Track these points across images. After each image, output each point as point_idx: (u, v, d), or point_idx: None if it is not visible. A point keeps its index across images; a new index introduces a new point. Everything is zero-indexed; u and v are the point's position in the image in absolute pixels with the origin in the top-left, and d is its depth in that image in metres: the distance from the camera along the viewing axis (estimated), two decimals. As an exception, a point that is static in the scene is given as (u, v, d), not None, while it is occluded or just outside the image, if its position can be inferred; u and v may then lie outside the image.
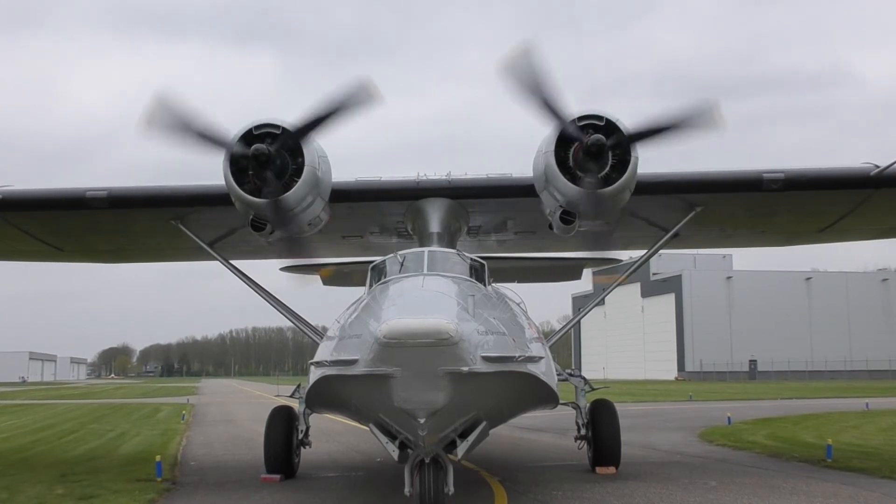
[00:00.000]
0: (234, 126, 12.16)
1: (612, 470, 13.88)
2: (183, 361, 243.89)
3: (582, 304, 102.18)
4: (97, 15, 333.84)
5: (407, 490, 9.44)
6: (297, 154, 12.11)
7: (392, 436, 9.67)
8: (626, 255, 21.76)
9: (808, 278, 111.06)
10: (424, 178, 14.22)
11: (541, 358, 10.41)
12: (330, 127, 11.77)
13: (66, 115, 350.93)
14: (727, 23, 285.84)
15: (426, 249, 11.85)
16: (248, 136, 11.95)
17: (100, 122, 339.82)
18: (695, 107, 11.47)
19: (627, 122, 12.02)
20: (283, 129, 11.94)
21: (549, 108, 11.52)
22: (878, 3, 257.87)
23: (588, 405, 14.72)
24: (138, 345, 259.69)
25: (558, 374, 12.79)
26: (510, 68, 11.17)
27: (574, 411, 14.88)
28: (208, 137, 11.82)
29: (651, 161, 12.49)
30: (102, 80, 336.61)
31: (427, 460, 9.36)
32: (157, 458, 14.54)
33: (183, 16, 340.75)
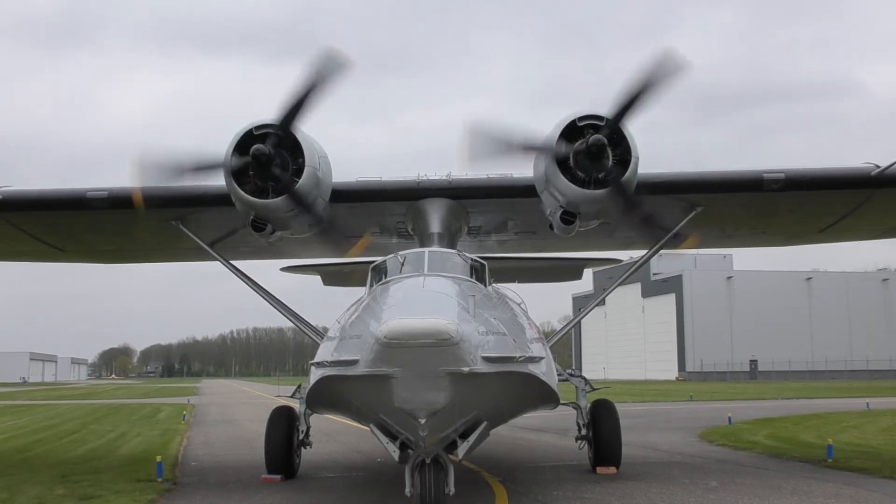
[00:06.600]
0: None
1: (612, 470, 13.88)
2: (183, 362, 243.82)
3: (582, 304, 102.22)
4: (140, 33, 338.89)
5: (408, 490, 9.44)
6: (298, 154, 12.10)
7: (393, 436, 9.67)
8: (627, 255, 21.76)
9: (809, 278, 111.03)
10: (425, 178, 14.20)
11: (541, 358, 10.40)
12: (311, 106, 11.63)
13: (105, 124, 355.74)
14: (742, 37, 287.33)
15: (426, 250, 11.84)
16: (248, 138, 11.95)
17: (135, 131, 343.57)
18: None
19: (632, 125, 12.01)
20: (274, 124, 11.92)
21: None
22: (885, 18, 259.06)
23: (588, 405, 14.71)
24: (139, 345, 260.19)
25: (559, 375, 12.78)
26: None
27: (574, 411, 14.87)
28: (203, 168, 12.00)
29: (651, 161, 12.50)
30: (141, 92, 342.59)
31: (428, 461, 9.36)
32: (158, 458, 14.54)
33: (220, 34, 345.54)
